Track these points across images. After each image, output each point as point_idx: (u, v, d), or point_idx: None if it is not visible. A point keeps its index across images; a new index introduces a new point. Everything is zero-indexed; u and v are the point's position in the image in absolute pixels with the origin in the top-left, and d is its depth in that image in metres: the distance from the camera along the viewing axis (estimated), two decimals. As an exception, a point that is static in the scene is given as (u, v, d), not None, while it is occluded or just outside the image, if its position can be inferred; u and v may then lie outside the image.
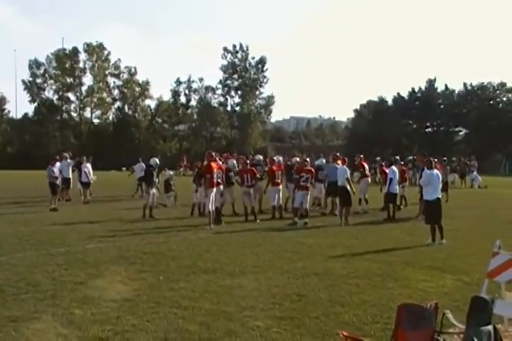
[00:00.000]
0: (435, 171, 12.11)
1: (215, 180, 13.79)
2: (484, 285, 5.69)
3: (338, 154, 17.72)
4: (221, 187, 14.90)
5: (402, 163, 25.27)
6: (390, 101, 72.97)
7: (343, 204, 14.98)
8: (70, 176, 21.34)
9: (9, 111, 71.02)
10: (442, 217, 11.77)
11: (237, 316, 6.10)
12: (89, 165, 21.26)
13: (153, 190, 16.23)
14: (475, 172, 31.79)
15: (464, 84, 67.24)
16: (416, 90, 69.55)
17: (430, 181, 11.79)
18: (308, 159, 16.54)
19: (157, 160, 17.22)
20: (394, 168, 16.50)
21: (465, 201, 16.59)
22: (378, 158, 21.45)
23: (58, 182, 18.98)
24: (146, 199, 15.94)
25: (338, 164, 16.04)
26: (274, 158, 18.43)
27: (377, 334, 5.54)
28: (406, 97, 70.60)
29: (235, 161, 18.71)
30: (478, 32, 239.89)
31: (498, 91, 65.76)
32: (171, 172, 19.90)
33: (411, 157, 35.25)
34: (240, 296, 6.93)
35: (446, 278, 8.07)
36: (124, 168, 43.07)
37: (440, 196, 12.00)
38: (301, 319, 6.03)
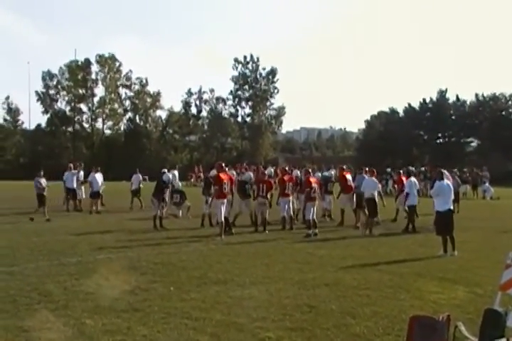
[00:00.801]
0: (446, 182, 12.06)
1: (225, 191, 13.81)
2: (497, 298, 5.64)
3: (345, 167, 17.91)
4: (229, 197, 14.92)
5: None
6: (401, 112, 72.86)
7: (369, 215, 15.06)
8: (75, 186, 21.39)
9: (23, 123, 71.72)
10: (454, 228, 11.70)
11: (248, 327, 6.09)
12: (97, 176, 21.23)
13: (161, 203, 16.30)
14: (487, 184, 31.55)
15: (476, 95, 66.99)
16: (427, 101, 69.38)
17: (440, 192, 11.73)
18: (310, 170, 16.54)
19: (170, 176, 17.26)
20: (414, 179, 16.33)
21: (477, 212, 16.46)
22: (389, 170, 21.36)
23: (45, 193, 18.92)
24: (155, 210, 16.02)
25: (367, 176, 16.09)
26: (266, 171, 18.52)
27: (388, 347, 5.51)
28: (417, 108, 70.40)
29: (251, 173, 18.65)
30: (490, 42, 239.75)
31: (510, 102, 65.32)
32: (180, 184, 19.95)
33: (423, 168, 35.17)
34: (250, 307, 6.92)
35: (458, 290, 8.00)
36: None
37: (452, 207, 11.93)
38: (312, 330, 6.00)
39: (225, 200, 13.87)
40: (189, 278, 8.73)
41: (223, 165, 14.89)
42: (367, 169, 16.94)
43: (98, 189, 20.84)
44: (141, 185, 22.31)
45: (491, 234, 15.22)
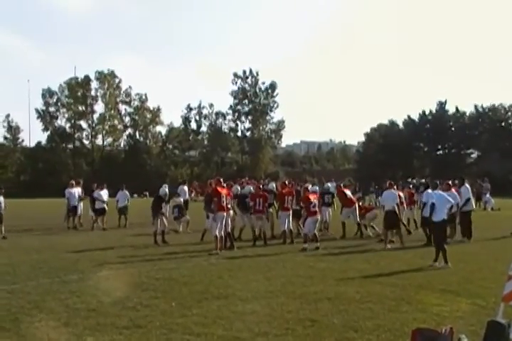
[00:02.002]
0: (440, 192, 12.15)
1: (223, 204, 13.82)
2: (500, 309, 5.62)
3: (342, 184, 18.07)
4: (231, 212, 14.93)
5: (411, 186, 25.35)
6: (400, 125, 73.09)
7: (389, 227, 15.05)
8: (76, 204, 21.41)
9: (23, 140, 71.99)
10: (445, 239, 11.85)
11: (250, 342, 6.07)
12: (102, 193, 21.25)
13: (162, 218, 16.31)
14: (488, 195, 31.51)
15: (475, 106, 67.30)
16: (427, 113, 69.67)
17: (436, 202, 11.77)
18: (308, 186, 16.58)
19: (167, 190, 17.27)
20: (430, 191, 16.30)
21: (478, 223, 16.41)
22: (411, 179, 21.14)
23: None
24: (155, 226, 16.01)
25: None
26: (268, 186, 18.63)
27: (391, 360, 5.47)
28: (417, 120, 70.69)
29: (251, 187, 18.68)
30: (489, 53, 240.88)
31: (509, 113, 65.63)
32: (181, 199, 19.93)
33: (423, 180, 35.21)
34: (252, 322, 6.89)
35: (460, 302, 7.96)
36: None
37: (446, 218, 11.92)
38: (315, 344, 5.97)
39: (225, 214, 13.86)
40: (190, 293, 8.70)
41: (221, 180, 14.99)
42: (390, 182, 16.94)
43: (102, 206, 20.76)
44: (127, 203, 22.32)
45: (493, 245, 15.20)
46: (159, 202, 16.67)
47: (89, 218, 21.84)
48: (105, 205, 20.92)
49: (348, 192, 17.74)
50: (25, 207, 37.26)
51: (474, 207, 16.81)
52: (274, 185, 18.77)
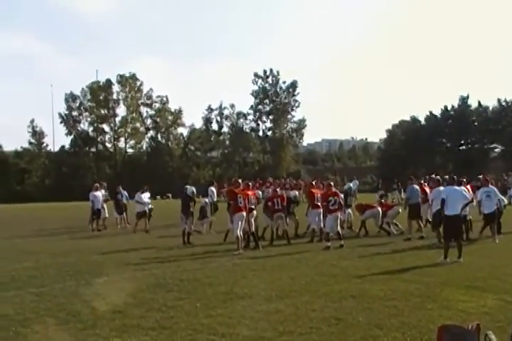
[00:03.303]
0: (456, 187, 12.06)
1: (241, 205, 13.86)
2: (527, 305, 5.56)
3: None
4: (254, 212, 14.99)
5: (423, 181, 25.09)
6: (422, 121, 72.28)
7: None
8: (100, 206, 21.66)
9: (47, 145, 72.63)
10: (462, 234, 11.76)
11: (275, 341, 6.08)
12: (143, 195, 20.96)
13: (190, 218, 16.47)
14: (512, 189, 31.13)
15: (498, 100, 66.17)
16: (449, 108, 68.76)
17: (449, 196, 11.68)
18: (332, 183, 16.47)
19: (194, 189, 17.34)
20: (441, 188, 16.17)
21: (505, 218, 16.20)
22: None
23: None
24: (183, 225, 16.21)
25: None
26: (290, 194, 18.47)
27: (417, 357, 5.45)
28: (439, 116, 69.77)
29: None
30: (510, 45, 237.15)
31: (533, 105, 64.53)
32: (206, 200, 20.01)
33: (446, 176, 34.85)
34: (277, 321, 6.91)
35: (487, 298, 7.88)
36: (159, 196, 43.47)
37: (460, 212, 11.79)
38: (340, 343, 5.97)
39: (244, 213, 13.90)
40: (215, 293, 8.75)
41: (239, 180, 15.15)
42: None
43: (144, 208, 20.58)
44: (125, 202, 22.80)
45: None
46: (188, 201, 16.78)
47: (113, 220, 22.16)
48: (147, 208, 20.71)
49: (319, 195, 16.51)
50: (51, 210, 37.74)
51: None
52: (297, 193, 18.53)
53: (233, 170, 69.37)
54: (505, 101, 65.58)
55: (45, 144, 72.12)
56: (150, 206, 21.44)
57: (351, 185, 19.86)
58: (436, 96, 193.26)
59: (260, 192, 17.74)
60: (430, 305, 7.53)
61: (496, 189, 15.65)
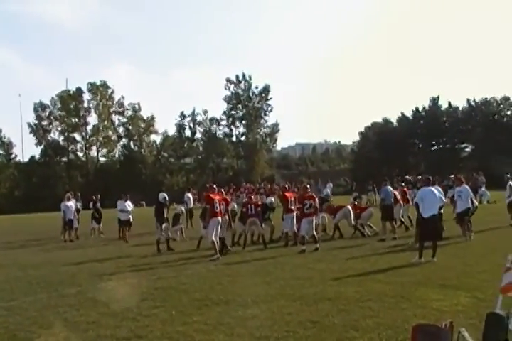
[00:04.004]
0: (429, 188, 12.16)
1: (217, 210, 13.82)
2: (499, 301, 5.60)
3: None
4: (226, 217, 15.04)
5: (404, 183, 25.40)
6: (394, 122, 73.20)
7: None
8: (72, 217, 21.39)
9: (16, 155, 71.58)
10: (439, 235, 11.94)
11: (252, 347, 6.05)
12: (127, 204, 20.86)
13: (165, 225, 16.36)
14: (483, 188, 31.61)
15: (468, 101, 67.44)
16: (420, 109, 69.83)
17: (425, 198, 11.79)
18: (308, 186, 16.54)
19: (165, 195, 17.24)
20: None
21: (475, 217, 16.42)
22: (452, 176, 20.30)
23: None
24: (159, 233, 16.08)
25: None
26: (266, 201, 18.55)
27: (393, 358, 5.46)
28: (410, 117, 70.79)
29: (273, 198, 18.79)
30: (479, 48, 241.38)
31: (501, 106, 65.84)
32: (182, 208, 19.93)
33: (419, 177, 35.25)
34: (253, 326, 6.87)
35: (460, 296, 7.97)
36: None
37: (436, 213, 11.93)
38: (316, 346, 5.95)
39: (219, 219, 13.85)
40: (190, 300, 8.67)
41: (214, 186, 15.12)
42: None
43: (128, 217, 20.48)
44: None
45: (490, 238, 15.22)
46: (161, 208, 16.67)
47: (88, 230, 21.95)
48: (130, 216, 20.58)
49: (293, 199, 16.63)
50: (21, 222, 37.16)
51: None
52: (273, 200, 18.54)
53: (207, 176, 69.29)
54: (475, 101, 66.89)
55: (13, 155, 71.15)
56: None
57: (328, 191, 19.93)
58: (407, 98, 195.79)
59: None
60: (405, 305, 7.57)
61: (468, 188, 15.80)
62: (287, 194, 16.48)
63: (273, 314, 7.48)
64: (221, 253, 14.08)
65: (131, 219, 20.46)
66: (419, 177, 32.00)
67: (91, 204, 23.53)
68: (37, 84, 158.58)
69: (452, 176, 30.05)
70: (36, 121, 70.21)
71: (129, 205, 20.75)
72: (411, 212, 18.21)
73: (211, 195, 14.03)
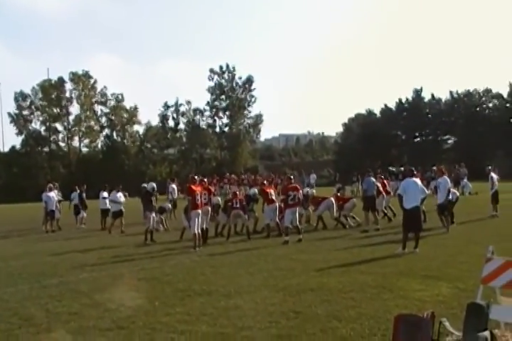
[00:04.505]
0: (413, 180, 12.21)
1: (198, 202, 13.79)
2: (479, 291, 5.68)
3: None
4: (208, 207, 15.08)
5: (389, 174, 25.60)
6: (378, 114, 73.48)
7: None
8: (54, 207, 21.24)
9: (-4, 145, 70.65)
10: (421, 226, 12.14)
11: (235, 337, 6.06)
12: (119, 195, 20.50)
13: (153, 214, 16.30)
14: (465, 180, 31.89)
15: (450, 92, 67.84)
16: (403, 101, 70.11)
17: (408, 189, 11.85)
18: (292, 177, 16.58)
19: (154, 185, 17.19)
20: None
21: (456, 208, 16.59)
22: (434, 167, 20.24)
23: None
24: (147, 223, 16.04)
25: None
26: (250, 192, 18.64)
27: (375, 347, 5.50)
28: (394, 108, 71.09)
29: (256, 189, 18.88)
30: (463, 40, 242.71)
31: (483, 98, 66.36)
32: (169, 205, 19.90)
33: (402, 168, 35.50)
34: (236, 317, 6.88)
35: (441, 287, 8.05)
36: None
37: (419, 204, 12.01)
38: (299, 336, 5.98)
39: (199, 211, 13.82)
40: (174, 291, 8.66)
41: (195, 177, 15.06)
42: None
43: (120, 208, 20.10)
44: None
45: (471, 229, 15.39)
46: (149, 198, 16.64)
47: (73, 221, 22.02)
48: (122, 207, 20.17)
49: (272, 192, 17.09)
50: (1, 212, 36.74)
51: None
52: (256, 191, 18.58)
53: (190, 167, 68.99)
54: (457, 93, 67.31)
55: (-7, 145, 70.12)
56: (107, 206, 21.19)
57: (312, 182, 19.98)
58: (391, 90, 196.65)
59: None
60: (387, 296, 7.63)
61: (447, 180, 15.89)
62: (266, 189, 16.66)
63: (256, 304, 7.50)
64: (204, 242, 14.23)
65: (123, 210, 20.17)
66: (402, 168, 32.28)
67: (73, 194, 23.29)
68: (17, 73, 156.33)
69: (435, 168, 30.33)
70: (17, 111, 69.21)
71: (120, 196, 20.50)
72: (392, 203, 18.41)
73: (192, 187, 13.98)
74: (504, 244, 10.64)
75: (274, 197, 16.30)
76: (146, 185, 17.33)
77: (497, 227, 15.34)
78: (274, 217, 15.96)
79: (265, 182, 18.87)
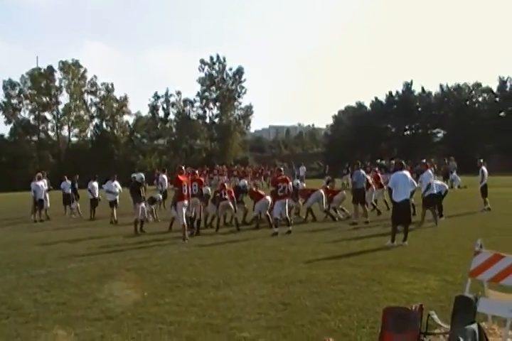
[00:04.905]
0: (403, 173, 12.24)
1: (185, 193, 13.77)
2: (467, 284, 5.71)
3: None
4: (197, 199, 15.05)
5: (378, 167, 25.64)
6: (368, 106, 73.57)
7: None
8: (43, 197, 21.15)
9: (-16, 134, 69.97)
10: (410, 219, 12.25)
11: (224, 328, 6.06)
12: (114, 184, 20.29)
13: (142, 205, 16.25)
14: (454, 173, 32.03)
15: (440, 86, 68.04)
16: (393, 94, 70.21)
17: (397, 183, 11.90)
18: (282, 168, 16.59)
19: (142, 175, 17.14)
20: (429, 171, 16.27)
21: (445, 202, 16.67)
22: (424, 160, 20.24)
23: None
24: (136, 214, 16.01)
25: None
26: (240, 183, 18.59)
27: (363, 339, 5.54)
28: (384, 101, 71.18)
29: (246, 181, 18.90)
30: (454, 33, 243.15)
31: (473, 92, 66.63)
32: (160, 196, 19.83)
33: (393, 161, 35.66)
34: (225, 308, 6.89)
35: (429, 280, 8.09)
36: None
37: (408, 197, 12.06)
38: (288, 327, 5.99)
39: (186, 202, 13.81)
40: (162, 282, 8.66)
41: (183, 168, 14.95)
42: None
43: (115, 198, 19.88)
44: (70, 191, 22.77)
45: (459, 223, 15.46)
46: (138, 188, 16.61)
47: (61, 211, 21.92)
48: (117, 197, 19.94)
49: (260, 192, 17.47)
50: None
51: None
52: (246, 182, 18.60)
53: (180, 158, 68.89)
54: (447, 87, 67.56)
55: (-19, 133, 69.54)
56: (97, 196, 21.18)
57: (302, 174, 20.01)
58: (381, 82, 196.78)
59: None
60: (375, 288, 7.66)
61: (430, 174, 15.89)
62: (255, 194, 16.73)
63: (245, 296, 7.51)
64: (196, 233, 14.40)
65: (117, 200, 20.04)
66: (393, 161, 32.40)
67: (63, 184, 23.17)
68: (5, 61, 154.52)
69: (424, 161, 30.46)
70: (5, 99, 68.61)
71: (116, 185, 20.27)
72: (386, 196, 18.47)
73: (180, 177, 13.95)
74: (492, 238, 10.74)
75: (263, 193, 16.32)
76: (135, 175, 17.26)
77: (485, 221, 15.44)
78: (264, 211, 15.99)
79: (254, 189, 18.72)
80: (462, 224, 15.06)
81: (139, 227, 15.82)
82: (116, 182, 20.39)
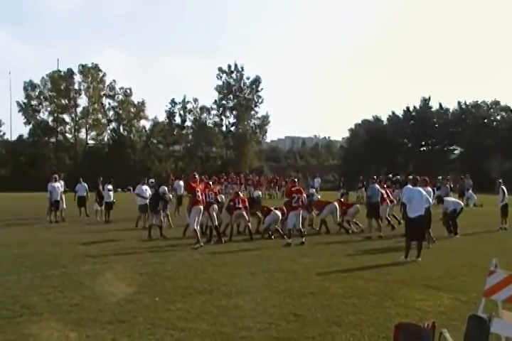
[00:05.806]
0: (417, 188, 12.20)
1: (198, 199, 13.89)
2: (481, 304, 5.66)
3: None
4: (215, 206, 15.20)
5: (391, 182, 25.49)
6: (384, 121, 73.37)
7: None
8: (58, 198, 21.28)
9: (4, 134, 70.79)
10: (424, 235, 12.08)
11: (234, 337, 6.07)
12: (144, 188, 19.79)
13: (157, 215, 16.50)
14: (470, 191, 31.75)
15: (458, 103, 67.72)
16: (411, 109, 69.98)
17: (412, 198, 11.84)
18: (296, 179, 16.59)
19: (166, 189, 17.71)
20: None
21: (461, 220, 16.56)
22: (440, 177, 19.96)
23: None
24: (151, 219, 16.30)
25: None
26: (254, 194, 18.59)
27: (374, 354, 5.51)
28: (401, 116, 70.96)
29: (260, 192, 18.98)
30: (472, 50, 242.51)
31: (491, 110, 66.22)
32: (171, 196, 19.83)
33: (410, 176, 35.39)
34: (236, 317, 6.89)
35: (443, 297, 8.04)
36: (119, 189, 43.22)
37: (423, 213, 11.98)
38: (298, 339, 5.99)
39: (201, 207, 13.94)
40: (174, 288, 8.68)
41: (196, 175, 15.09)
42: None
43: (145, 202, 18.92)
44: (87, 194, 23.14)
45: (476, 241, 15.35)
46: (157, 199, 16.89)
47: (76, 212, 22.30)
48: (147, 201, 18.85)
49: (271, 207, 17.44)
50: (7, 201, 36.86)
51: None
52: (260, 193, 18.64)
53: (195, 165, 68.99)
54: (465, 104, 67.18)
55: (2, 133, 70.40)
56: (112, 199, 21.33)
57: (316, 185, 20.02)
58: (398, 97, 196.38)
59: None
60: (388, 303, 7.63)
61: (430, 191, 15.70)
62: (268, 210, 16.50)
63: (256, 305, 7.52)
64: (210, 242, 14.41)
65: (148, 204, 19.72)
66: (410, 177, 32.19)
67: (78, 186, 23.29)
68: (27, 63, 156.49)
69: (440, 177, 30.26)
70: (26, 100, 69.28)
71: (146, 189, 19.71)
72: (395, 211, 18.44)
73: (193, 184, 14.08)
74: (508, 258, 10.63)
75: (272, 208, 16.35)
76: (153, 181, 17.48)
77: (501, 240, 15.33)
78: (274, 224, 15.98)
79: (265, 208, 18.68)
80: (477, 243, 14.94)
81: (159, 232, 15.98)
82: (146, 186, 20.03)
